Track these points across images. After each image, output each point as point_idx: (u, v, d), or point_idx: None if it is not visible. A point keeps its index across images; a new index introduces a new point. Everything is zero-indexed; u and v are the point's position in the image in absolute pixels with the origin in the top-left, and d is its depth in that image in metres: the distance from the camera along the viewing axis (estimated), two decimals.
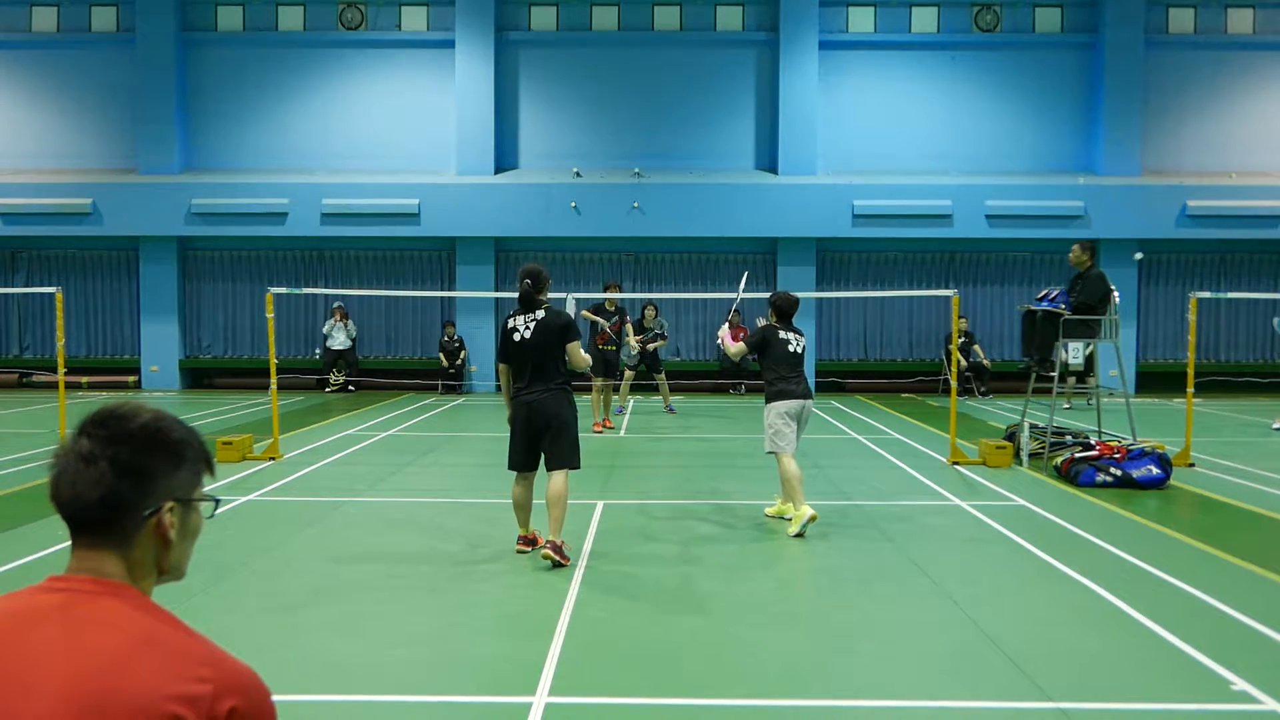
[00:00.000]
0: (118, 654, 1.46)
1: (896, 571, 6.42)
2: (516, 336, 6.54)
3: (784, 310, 8.03)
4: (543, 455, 6.59)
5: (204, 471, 1.68)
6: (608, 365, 13.96)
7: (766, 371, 7.88)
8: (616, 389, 14.84)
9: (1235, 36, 19.85)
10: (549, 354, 6.48)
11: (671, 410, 15.79)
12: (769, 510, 8.10)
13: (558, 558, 6.35)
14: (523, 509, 6.76)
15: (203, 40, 19.99)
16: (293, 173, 19.65)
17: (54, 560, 6.38)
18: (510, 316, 6.67)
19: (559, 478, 6.50)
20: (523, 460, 6.64)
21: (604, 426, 13.51)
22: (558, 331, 6.49)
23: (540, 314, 6.55)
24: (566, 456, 6.53)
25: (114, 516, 1.56)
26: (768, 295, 8.45)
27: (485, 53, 19.48)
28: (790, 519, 7.48)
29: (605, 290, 14.54)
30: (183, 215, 19.23)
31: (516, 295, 6.72)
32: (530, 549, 6.73)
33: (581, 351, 6.60)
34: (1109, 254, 18.31)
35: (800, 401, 7.77)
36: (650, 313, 15.68)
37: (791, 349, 7.85)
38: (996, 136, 19.87)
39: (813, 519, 7.30)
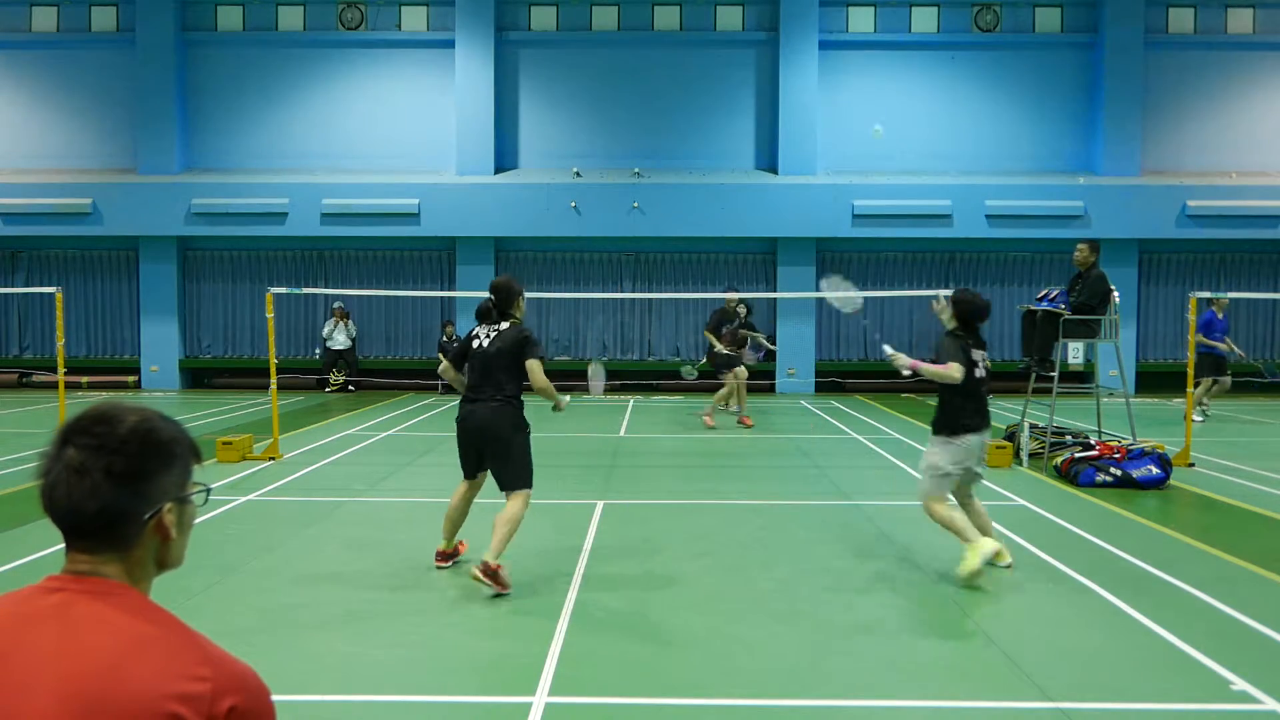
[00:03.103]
0: (117, 654, 1.46)
1: (896, 572, 6.42)
2: (476, 344, 6.20)
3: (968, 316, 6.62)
4: (493, 475, 6.17)
5: (194, 464, 1.66)
6: (731, 362, 13.92)
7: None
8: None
9: (1235, 36, 19.85)
10: (502, 365, 6.04)
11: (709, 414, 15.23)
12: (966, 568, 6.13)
13: (488, 582, 5.69)
14: (451, 520, 6.37)
15: (203, 40, 19.99)
16: (293, 173, 19.65)
17: (54, 560, 6.37)
18: (476, 326, 6.38)
19: (514, 502, 5.97)
20: (464, 467, 6.31)
21: (743, 422, 14.05)
22: (514, 344, 6.07)
23: (503, 325, 6.20)
24: (516, 477, 6.02)
25: (113, 525, 1.54)
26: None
27: (485, 53, 19.49)
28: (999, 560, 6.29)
29: (728, 295, 14.23)
30: (183, 215, 19.24)
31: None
32: (448, 564, 6.38)
33: (543, 375, 6.10)
34: (1109, 253, 18.29)
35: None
36: (734, 299, 14.75)
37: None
38: (996, 136, 19.88)
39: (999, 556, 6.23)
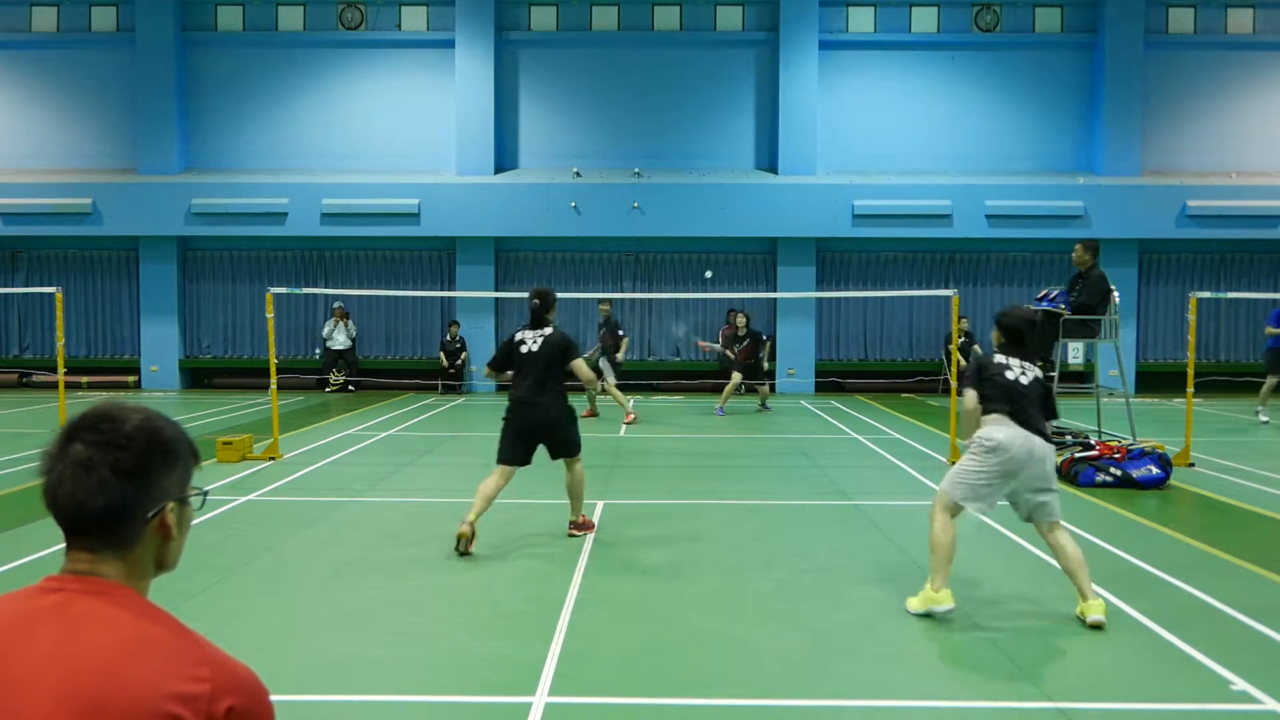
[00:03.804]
0: (116, 654, 1.46)
1: (896, 571, 6.42)
2: (524, 348, 7.19)
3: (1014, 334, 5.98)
4: (549, 452, 7.23)
5: (193, 466, 1.67)
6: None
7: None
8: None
9: (1235, 36, 19.85)
10: (551, 367, 7.12)
11: (758, 409, 16.44)
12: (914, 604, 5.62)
13: (584, 533, 7.28)
14: (486, 499, 6.92)
15: (203, 40, 19.99)
16: (293, 173, 19.66)
17: (54, 560, 6.36)
18: (519, 330, 7.37)
19: (574, 467, 7.25)
20: (512, 456, 7.13)
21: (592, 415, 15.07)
22: (561, 349, 7.17)
23: (548, 331, 7.26)
24: (572, 447, 7.24)
25: (118, 522, 1.55)
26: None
27: (485, 53, 19.48)
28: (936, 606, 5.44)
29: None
30: (183, 215, 19.24)
31: (526, 302, 7.54)
32: (468, 550, 6.69)
33: (587, 369, 7.38)
34: (1109, 254, 18.30)
35: None
36: (741, 320, 16.08)
37: None
38: (996, 136, 19.87)
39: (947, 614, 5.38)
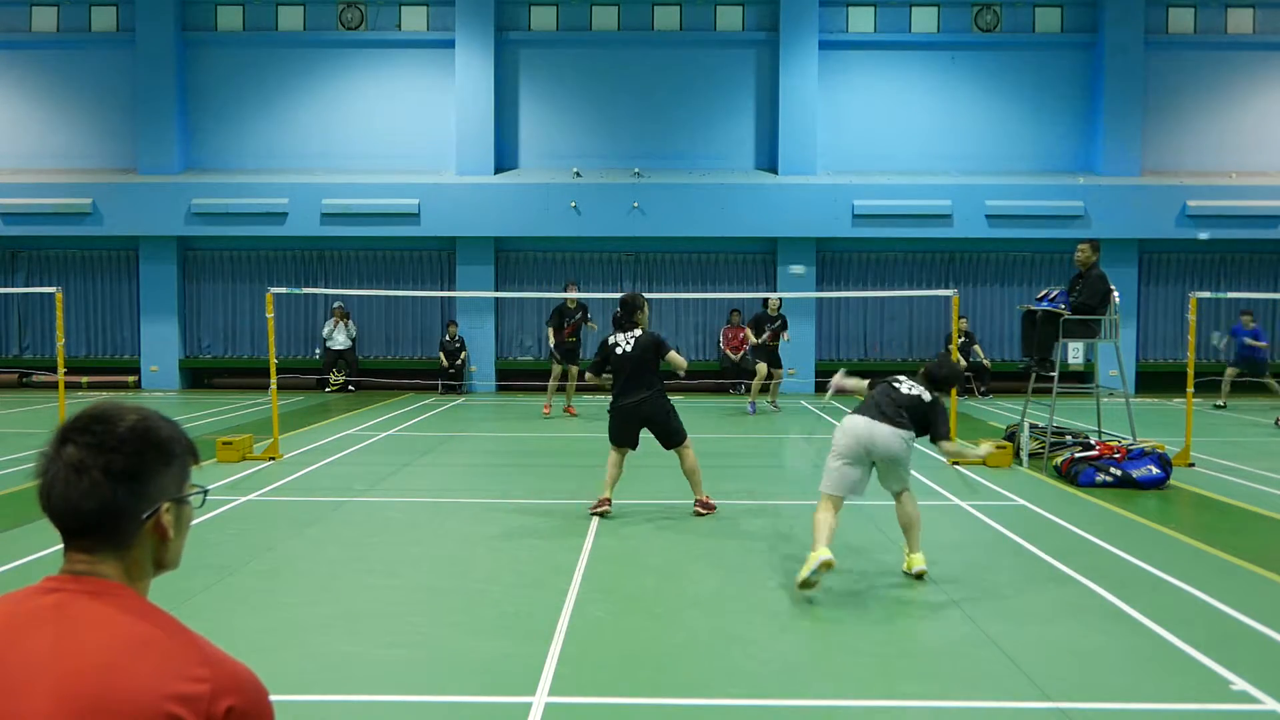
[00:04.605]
0: (115, 654, 1.45)
1: (896, 572, 6.42)
2: (619, 350, 7.96)
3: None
4: (660, 443, 8.12)
5: (192, 464, 1.66)
6: (566, 354, 15.25)
7: None
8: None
9: (1235, 36, 19.85)
10: (646, 364, 7.89)
11: (776, 408, 16.32)
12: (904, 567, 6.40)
13: (709, 511, 7.96)
14: (613, 477, 7.99)
15: (203, 40, 19.99)
16: (293, 173, 19.65)
17: (53, 560, 6.35)
18: (611, 334, 8.12)
19: (686, 453, 8.05)
20: (623, 440, 8.01)
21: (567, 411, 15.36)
22: (654, 346, 7.97)
23: (638, 332, 8.02)
24: (678, 436, 8.05)
25: (112, 524, 1.55)
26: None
27: (485, 53, 19.48)
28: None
29: (565, 289, 15.79)
30: (183, 215, 19.24)
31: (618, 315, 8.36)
32: (607, 509, 7.86)
33: (679, 357, 8.15)
34: (1108, 254, 18.29)
35: None
36: (775, 301, 16.11)
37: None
38: (996, 136, 19.87)
39: (826, 565, 5.74)
